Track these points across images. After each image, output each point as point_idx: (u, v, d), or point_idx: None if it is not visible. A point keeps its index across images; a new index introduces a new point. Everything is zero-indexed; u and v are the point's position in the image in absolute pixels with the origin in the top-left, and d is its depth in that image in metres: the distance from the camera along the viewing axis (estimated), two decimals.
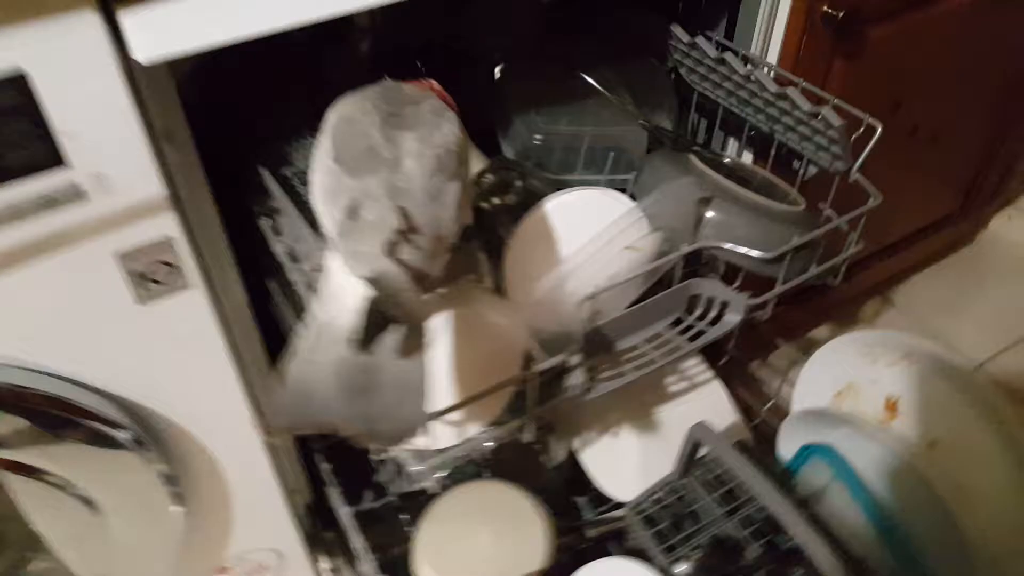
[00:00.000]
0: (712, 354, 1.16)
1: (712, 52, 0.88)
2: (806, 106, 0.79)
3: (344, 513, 0.97)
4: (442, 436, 0.71)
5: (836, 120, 0.76)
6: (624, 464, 1.06)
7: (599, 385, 0.75)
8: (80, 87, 0.53)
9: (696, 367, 1.11)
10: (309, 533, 1.06)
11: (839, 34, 0.92)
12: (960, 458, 0.86)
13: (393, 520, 1.04)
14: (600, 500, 1.07)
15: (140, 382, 0.72)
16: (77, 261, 0.61)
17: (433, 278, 0.53)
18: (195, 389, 0.75)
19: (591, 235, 0.73)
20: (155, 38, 0.52)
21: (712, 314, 0.82)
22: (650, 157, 0.88)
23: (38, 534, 0.75)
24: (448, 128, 0.60)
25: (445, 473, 0.73)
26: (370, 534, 0.99)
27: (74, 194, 0.56)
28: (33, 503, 0.72)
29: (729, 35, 0.97)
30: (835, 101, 0.81)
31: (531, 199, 0.83)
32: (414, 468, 0.67)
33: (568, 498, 1.11)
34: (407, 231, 0.52)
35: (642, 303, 0.78)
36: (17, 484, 0.70)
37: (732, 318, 0.80)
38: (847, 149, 0.80)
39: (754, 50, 0.94)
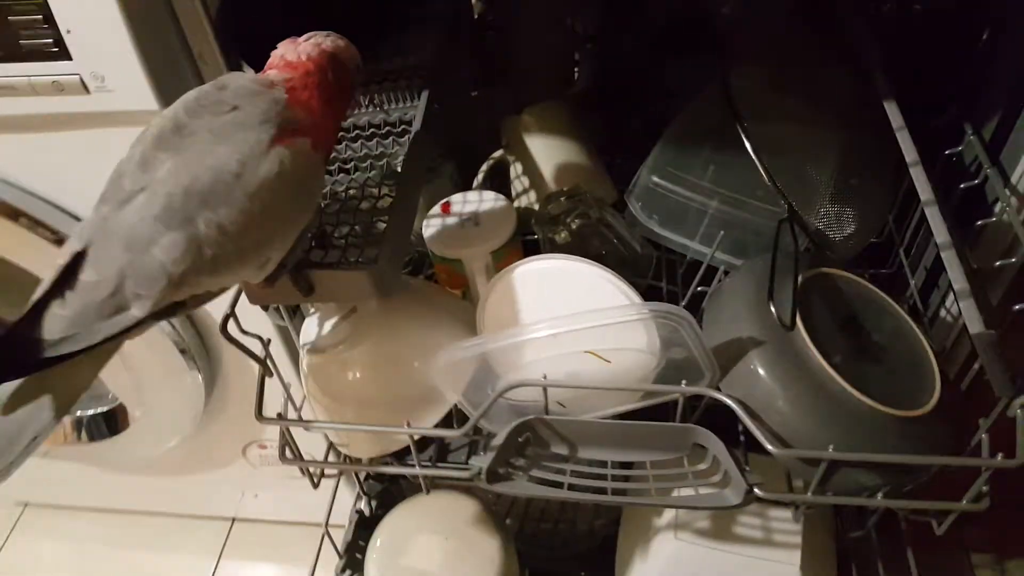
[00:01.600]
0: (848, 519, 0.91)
1: (910, 156, 0.62)
2: (959, 282, 0.52)
3: None
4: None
5: (974, 323, 0.49)
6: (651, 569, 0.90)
7: (513, 484, 0.63)
8: None
9: (788, 523, 0.87)
10: None
11: None
12: None
13: None
14: None
15: None
16: (103, 141, 0.67)
17: (77, 346, 0.44)
18: None
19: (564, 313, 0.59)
20: None
21: (716, 477, 0.62)
22: (743, 266, 0.67)
23: None
24: (218, 157, 0.46)
25: None
26: None
27: (77, 85, 0.62)
28: None
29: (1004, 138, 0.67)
30: None
31: (583, 244, 0.70)
32: None
33: (580, 571, 0.99)
34: (62, 286, 0.45)
35: (620, 422, 0.62)
36: None
37: (727, 497, 0.60)
38: (1000, 371, 0.52)
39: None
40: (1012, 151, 0.64)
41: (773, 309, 0.56)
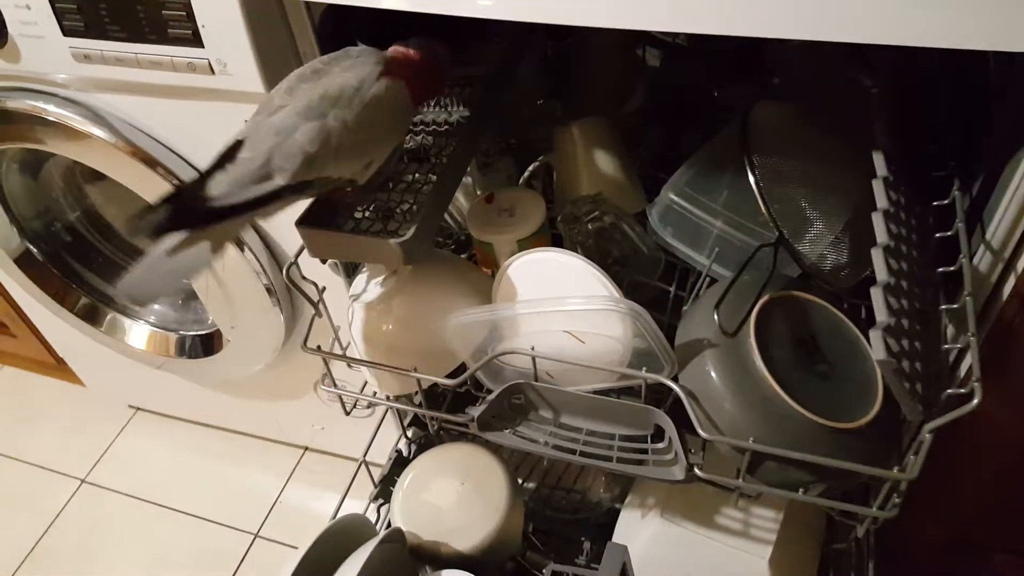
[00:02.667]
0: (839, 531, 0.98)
1: (881, 202, 0.69)
2: (881, 315, 0.60)
3: None
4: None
5: (879, 349, 0.57)
6: (635, 548, 1.00)
7: (501, 435, 0.75)
8: None
9: (768, 521, 0.95)
10: None
11: None
12: None
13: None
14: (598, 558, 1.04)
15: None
16: (222, 112, 0.85)
17: (234, 201, 0.58)
18: None
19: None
20: None
21: (669, 456, 0.72)
22: (724, 279, 0.76)
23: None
24: (344, 78, 0.64)
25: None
26: None
27: (206, 67, 0.78)
28: None
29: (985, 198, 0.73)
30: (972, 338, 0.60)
31: (598, 243, 0.81)
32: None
33: (582, 536, 1.10)
34: (224, 162, 0.60)
35: (595, 395, 0.73)
36: None
37: (673, 473, 0.70)
38: (906, 395, 0.59)
39: (997, 233, 0.70)
40: (992, 209, 0.70)
41: (716, 317, 0.66)
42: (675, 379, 0.69)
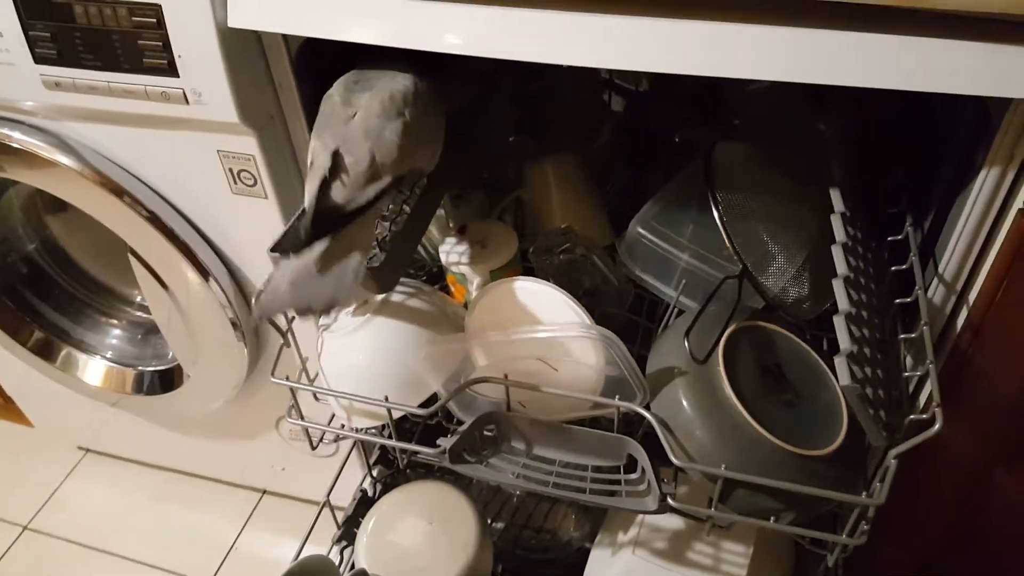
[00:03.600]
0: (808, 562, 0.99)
1: (840, 236, 0.72)
2: (844, 343, 0.62)
3: None
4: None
5: (843, 375, 0.59)
6: None
7: (473, 467, 0.75)
8: (190, 26, 0.74)
9: (737, 555, 0.95)
10: None
11: None
12: None
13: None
14: None
15: (230, 245, 0.96)
16: (193, 142, 0.85)
17: (360, 203, 0.65)
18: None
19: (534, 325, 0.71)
20: (245, 14, 0.71)
21: (642, 486, 0.73)
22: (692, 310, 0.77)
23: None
24: (400, 81, 0.70)
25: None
26: None
27: (180, 97, 0.78)
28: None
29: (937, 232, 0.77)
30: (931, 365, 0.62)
31: (569, 274, 0.82)
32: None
33: (558, 574, 1.09)
34: (336, 171, 0.65)
35: (568, 425, 0.73)
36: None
37: (646, 503, 0.71)
38: (870, 421, 0.61)
39: (949, 266, 0.73)
40: (943, 244, 0.73)
41: (687, 344, 0.67)
42: (647, 408, 0.70)
